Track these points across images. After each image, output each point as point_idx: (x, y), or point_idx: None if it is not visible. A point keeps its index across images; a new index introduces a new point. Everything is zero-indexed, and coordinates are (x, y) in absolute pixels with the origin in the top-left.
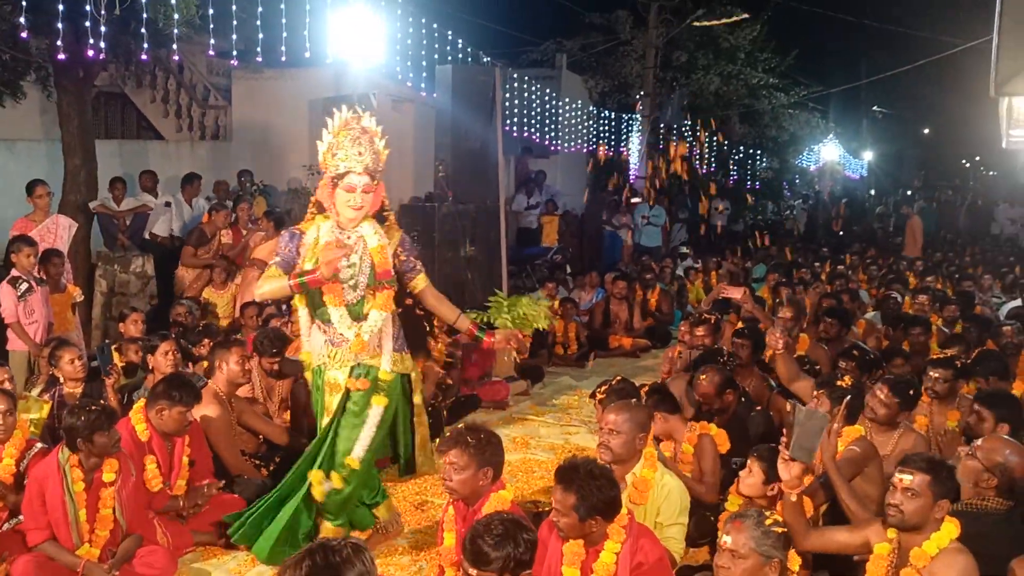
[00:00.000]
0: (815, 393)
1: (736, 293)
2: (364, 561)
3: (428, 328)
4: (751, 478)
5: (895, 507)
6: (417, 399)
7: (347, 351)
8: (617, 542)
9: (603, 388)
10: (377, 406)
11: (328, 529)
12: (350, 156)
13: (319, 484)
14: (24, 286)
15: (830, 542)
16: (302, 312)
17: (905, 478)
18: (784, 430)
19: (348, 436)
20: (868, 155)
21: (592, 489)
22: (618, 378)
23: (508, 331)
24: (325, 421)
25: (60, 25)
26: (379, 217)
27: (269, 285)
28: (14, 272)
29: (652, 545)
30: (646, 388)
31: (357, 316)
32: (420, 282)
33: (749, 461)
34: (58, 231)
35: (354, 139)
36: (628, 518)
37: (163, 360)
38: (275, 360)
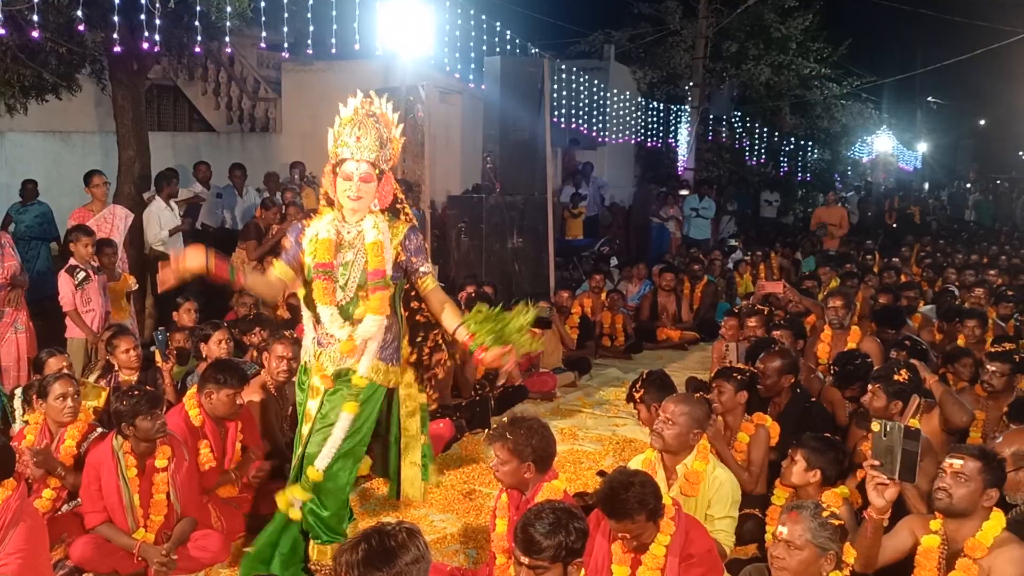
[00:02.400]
0: (871, 387)
1: (776, 288)
2: (418, 546)
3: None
4: (794, 467)
5: (944, 491)
6: (410, 424)
7: (335, 352)
8: (666, 534)
9: (639, 385)
10: (347, 413)
11: (318, 550)
12: (349, 142)
13: (289, 506)
14: (81, 275)
15: (891, 553)
16: (303, 303)
17: (956, 463)
18: (871, 452)
19: (318, 442)
20: (922, 146)
21: (649, 499)
22: (646, 371)
23: (500, 349)
24: (305, 428)
25: (115, 18)
26: (393, 211)
27: (254, 280)
28: (72, 261)
29: (701, 536)
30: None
31: (348, 317)
32: (426, 284)
33: (791, 451)
34: (115, 221)
35: (356, 124)
36: (675, 510)
37: (216, 348)
38: None
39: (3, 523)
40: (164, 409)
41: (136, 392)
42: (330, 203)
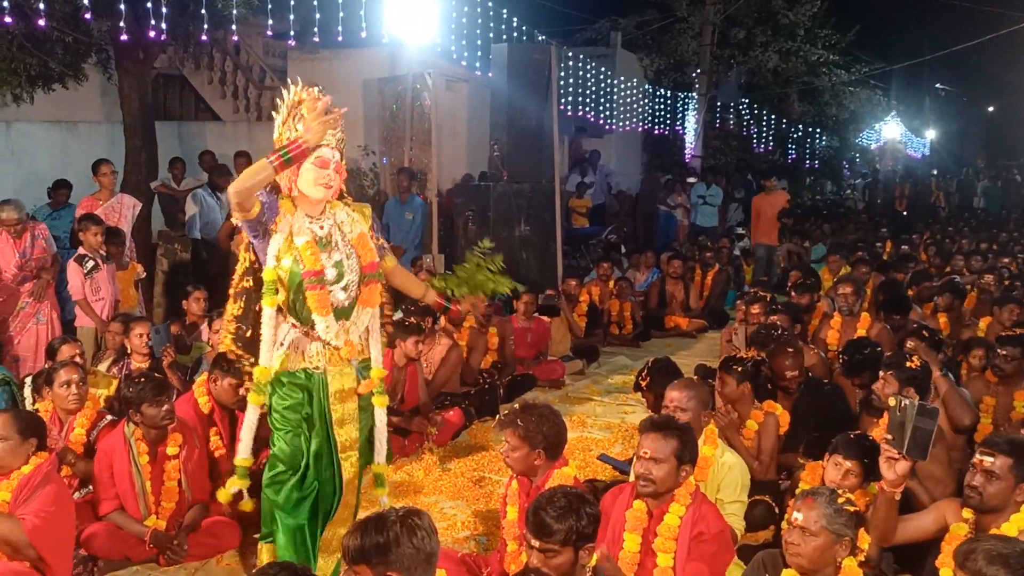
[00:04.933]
0: (882, 374)
1: None
2: (426, 526)
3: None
4: (850, 479)
5: (974, 489)
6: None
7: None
8: (683, 505)
9: (644, 374)
10: (380, 409)
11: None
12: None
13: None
14: (90, 264)
15: (913, 532)
16: (268, 313)
17: (986, 460)
18: (887, 426)
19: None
20: (930, 133)
21: (691, 437)
22: (652, 359)
23: (470, 297)
24: (344, 431)
25: (122, 7)
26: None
27: (248, 177)
28: (81, 250)
29: (715, 516)
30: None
31: (342, 317)
32: (389, 262)
33: (843, 461)
34: (122, 210)
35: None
36: (695, 486)
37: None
38: None
39: (32, 483)
40: (173, 397)
41: (143, 379)
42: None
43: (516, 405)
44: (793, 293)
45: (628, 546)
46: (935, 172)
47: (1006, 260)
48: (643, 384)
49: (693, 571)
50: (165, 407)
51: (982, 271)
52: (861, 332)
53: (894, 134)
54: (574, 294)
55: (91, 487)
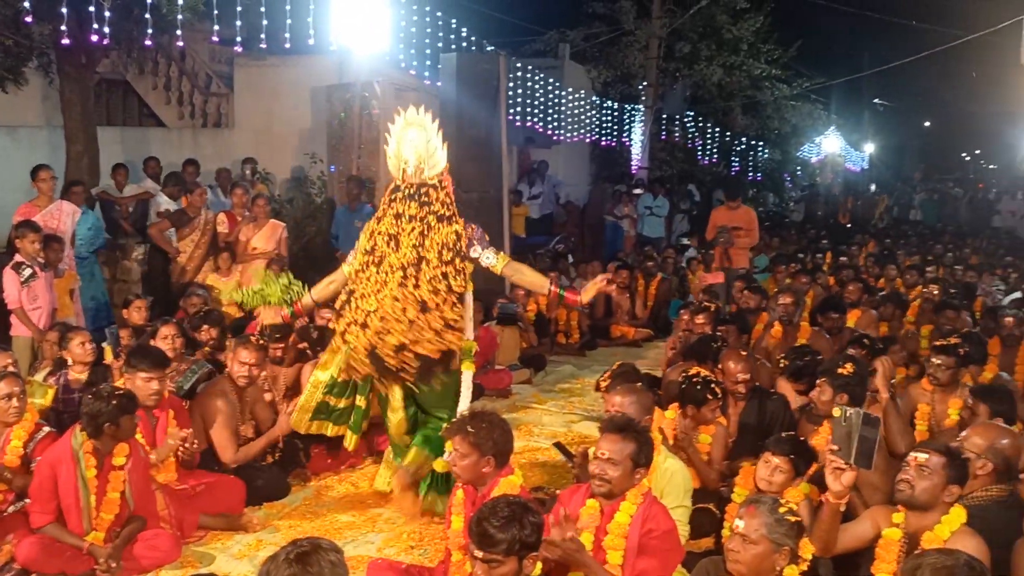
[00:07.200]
0: (818, 382)
1: (717, 279)
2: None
3: None
4: (778, 475)
5: (906, 482)
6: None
7: None
8: (634, 504)
9: (606, 375)
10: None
11: None
12: None
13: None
14: (28, 272)
15: (850, 540)
16: (470, 298)
17: (920, 456)
18: (832, 437)
19: None
20: (869, 147)
21: (648, 441)
22: (619, 363)
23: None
24: None
25: (63, 11)
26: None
27: (532, 277)
28: (17, 257)
29: (664, 515)
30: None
31: None
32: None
33: (772, 457)
34: (62, 216)
35: None
36: (647, 487)
37: (163, 344)
38: (279, 347)
39: None
40: None
41: (118, 392)
42: None
43: (464, 413)
44: (746, 292)
45: None
46: (873, 186)
47: (930, 269)
48: (603, 386)
49: (643, 566)
50: (137, 418)
51: (915, 284)
52: (802, 341)
53: (834, 148)
54: (522, 303)
55: (27, 499)
